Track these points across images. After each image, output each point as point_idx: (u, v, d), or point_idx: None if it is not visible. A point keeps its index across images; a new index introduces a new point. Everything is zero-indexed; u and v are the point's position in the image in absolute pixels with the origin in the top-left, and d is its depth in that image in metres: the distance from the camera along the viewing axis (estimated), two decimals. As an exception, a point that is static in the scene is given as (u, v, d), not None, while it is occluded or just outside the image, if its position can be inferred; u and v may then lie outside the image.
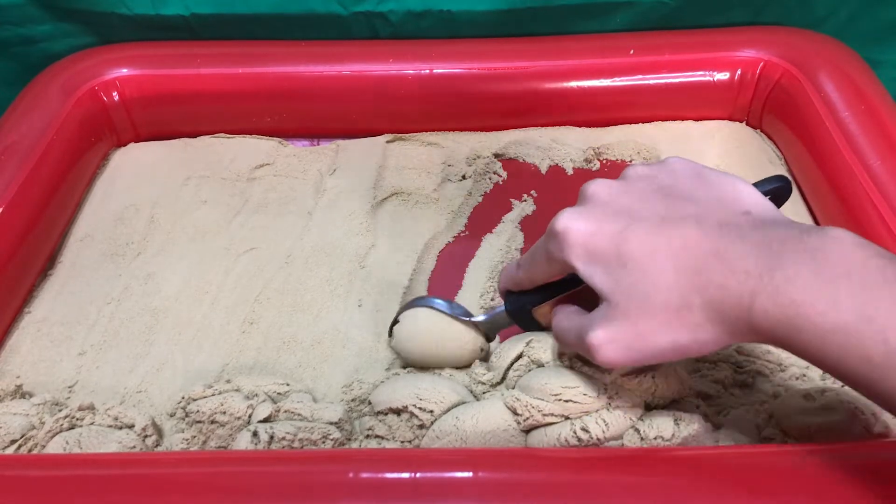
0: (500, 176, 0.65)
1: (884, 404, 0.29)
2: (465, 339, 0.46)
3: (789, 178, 0.38)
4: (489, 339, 0.47)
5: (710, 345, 0.32)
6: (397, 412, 0.43)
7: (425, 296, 0.53)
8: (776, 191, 0.39)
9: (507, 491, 0.35)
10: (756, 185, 0.38)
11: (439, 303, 0.46)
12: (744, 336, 0.31)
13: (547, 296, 0.40)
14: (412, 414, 0.42)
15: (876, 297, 0.28)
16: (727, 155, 0.64)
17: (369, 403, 0.45)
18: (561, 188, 0.64)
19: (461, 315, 0.46)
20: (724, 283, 0.31)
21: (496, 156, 0.67)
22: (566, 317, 0.38)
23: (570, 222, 0.35)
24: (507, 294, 0.43)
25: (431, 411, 0.42)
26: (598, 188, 0.36)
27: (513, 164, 0.67)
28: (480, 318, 0.46)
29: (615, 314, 0.34)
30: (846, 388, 0.45)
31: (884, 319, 0.27)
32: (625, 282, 0.33)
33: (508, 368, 0.43)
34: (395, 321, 0.47)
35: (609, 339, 0.34)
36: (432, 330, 0.46)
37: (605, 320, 0.34)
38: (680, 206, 0.34)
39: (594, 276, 0.34)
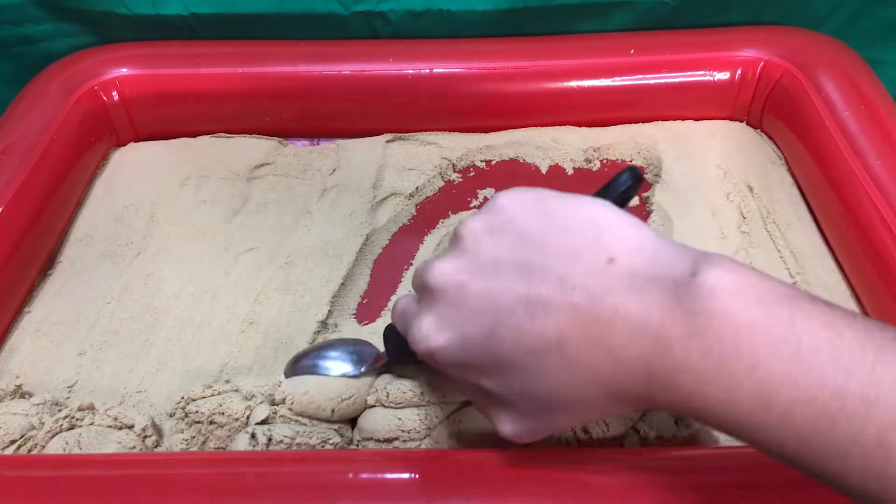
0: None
1: (817, 478, 0.26)
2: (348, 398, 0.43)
3: (635, 169, 0.35)
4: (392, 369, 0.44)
5: (621, 413, 0.32)
6: (388, 441, 0.42)
7: (313, 352, 0.47)
8: (626, 191, 0.35)
9: (507, 491, 0.35)
10: (605, 190, 0.36)
11: (325, 366, 0.44)
12: (659, 407, 0.29)
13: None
14: (402, 441, 0.42)
15: (770, 368, 0.25)
16: (727, 154, 0.64)
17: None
18: (561, 188, 0.64)
19: (350, 371, 0.43)
20: (617, 378, 0.28)
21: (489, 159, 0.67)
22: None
23: (431, 340, 0.32)
24: (389, 339, 0.41)
25: (418, 440, 0.42)
26: (438, 281, 0.31)
27: (513, 164, 0.67)
28: (361, 370, 0.43)
29: (515, 413, 0.32)
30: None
31: (784, 398, 0.25)
32: (514, 384, 0.30)
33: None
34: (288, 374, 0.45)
35: (516, 432, 0.32)
36: (317, 399, 0.42)
37: (508, 416, 0.32)
38: (537, 277, 0.29)
39: (480, 383, 0.32)
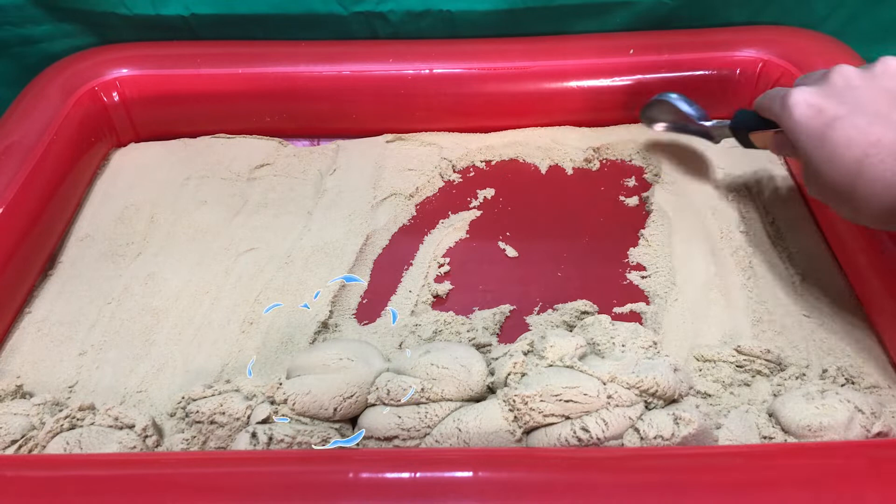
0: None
1: None
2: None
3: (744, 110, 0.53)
4: (716, 141, 0.60)
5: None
6: (388, 440, 0.42)
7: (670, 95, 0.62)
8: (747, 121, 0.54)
9: (507, 491, 0.35)
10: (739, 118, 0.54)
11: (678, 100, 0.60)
12: None
13: (766, 125, 0.51)
14: (402, 440, 0.42)
15: None
16: (725, 154, 0.64)
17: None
18: (561, 188, 0.64)
19: (697, 118, 0.59)
20: None
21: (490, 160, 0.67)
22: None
23: (798, 97, 0.44)
24: (737, 112, 0.55)
25: (418, 438, 0.42)
26: (839, 75, 0.44)
27: (512, 164, 0.67)
28: (711, 123, 0.59)
29: (810, 179, 0.45)
30: (846, 387, 0.45)
31: None
32: (817, 156, 0.43)
33: (509, 370, 0.43)
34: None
35: (810, 189, 0.46)
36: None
37: (807, 174, 0.45)
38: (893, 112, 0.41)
39: (798, 141, 0.44)
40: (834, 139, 0.42)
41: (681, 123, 0.62)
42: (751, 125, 0.53)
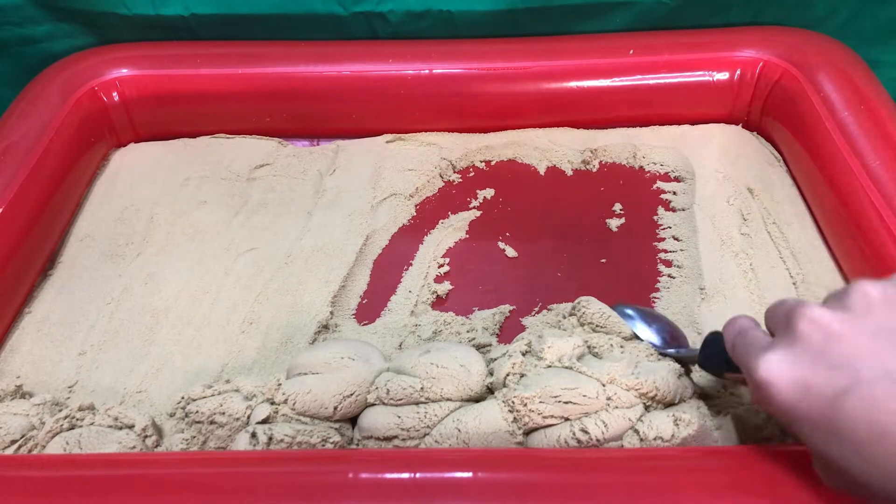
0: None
1: None
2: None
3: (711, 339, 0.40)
4: (689, 370, 0.45)
5: None
6: (388, 439, 0.42)
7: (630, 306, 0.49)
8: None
9: (506, 491, 0.35)
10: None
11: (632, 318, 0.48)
12: None
13: (738, 370, 0.37)
14: (402, 440, 0.42)
15: None
16: (725, 157, 0.64)
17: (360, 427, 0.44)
18: (560, 189, 0.64)
19: (661, 348, 0.46)
20: None
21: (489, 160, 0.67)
22: None
23: (773, 373, 0.31)
24: (708, 338, 0.42)
25: (418, 438, 0.42)
26: (811, 324, 0.31)
27: (512, 165, 0.67)
28: (675, 351, 0.45)
29: (824, 473, 0.32)
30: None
31: None
32: (837, 454, 0.29)
33: (508, 371, 0.43)
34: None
35: (824, 481, 0.32)
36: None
37: (819, 467, 0.32)
38: None
39: (801, 434, 0.31)
40: (845, 423, 0.29)
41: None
42: (721, 367, 0.41)
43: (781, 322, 0.33)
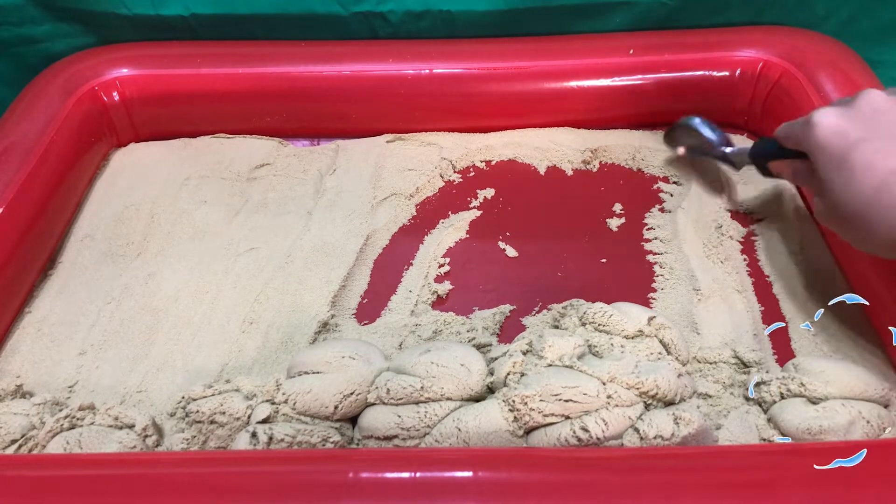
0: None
1: None
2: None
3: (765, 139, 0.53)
4: (737, 168, 0.59)
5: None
6: (388, 439, 0.42)
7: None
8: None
9: (506, 491, 0.35)
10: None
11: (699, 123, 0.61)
12: None
13: (785, 154, 0.50)
14: (402, 439, 0.42)
15: None
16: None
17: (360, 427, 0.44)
18: (561, 189, 0.64)
19: (717, 143, 0.59)
20: None
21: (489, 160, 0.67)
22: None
23: (822, 118, 0.43)
24: (758, 140, 0.56)
25: (418, 438, 0.42)
26: (865, 100, 0.43)
27: (512, 165, 0.67)
28: (732, 149, 0.58)
29: (821, 199, 0.44)
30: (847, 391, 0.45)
31: None
32: (835, 179, 0.42)
33: (508, 370, 0.43)
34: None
35: (817, 210, 0.46)
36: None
37: (820, 202, 0.45)
38: None
39: (817, 161, 0.44)
40: (854, 162, 0.41)
41: (703, 148, 0.61)
42: (770, 154, 0.53)
43: (839, 102, 0.45)
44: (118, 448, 0.42)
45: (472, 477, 0.35)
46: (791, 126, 0.48)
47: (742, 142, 0.64)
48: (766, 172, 0.55)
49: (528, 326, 0.52)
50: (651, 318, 0.46)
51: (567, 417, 0.40)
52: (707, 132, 0.60)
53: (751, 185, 0.62)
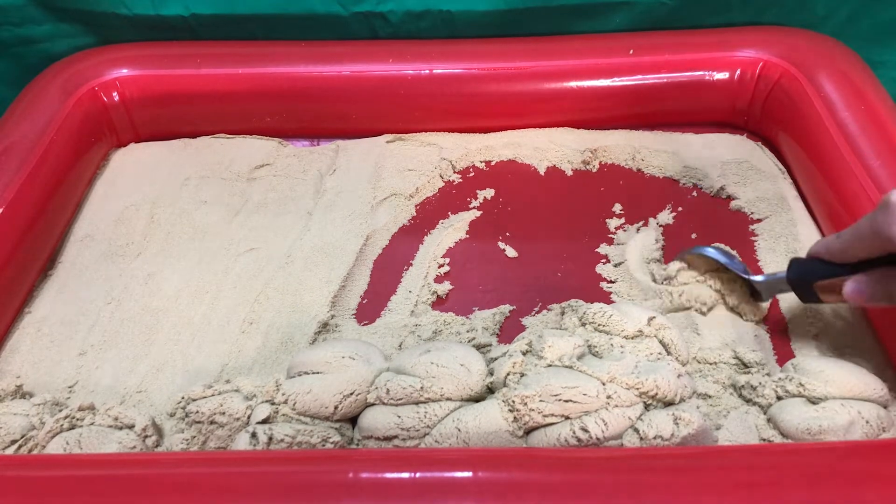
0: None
1: None
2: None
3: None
4: (763, 299, 0.50)
5: None
6: (388, 439, 0.42)
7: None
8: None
9: (506, 491, 0.35)
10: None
11: (713, 252, 0.51)
12: None
13: (837, 272, 0.42)
14: (402, 439, 0.42)
15: None
16: (724, 159, 0.64)
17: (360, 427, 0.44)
18: (560, 189, 0.64)
19: (740, 271, 0.49)
20: None
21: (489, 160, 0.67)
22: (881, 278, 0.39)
23: None
24: (793, 262, 0.46)
25: (418, 438, 0.42)
26: None
27: (512, 165, 0.67)
28: (759, 278, 0.49)
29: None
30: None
31: None
32: None
33: (508, 370, 0.43)
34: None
35: None
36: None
37: None
38: None
39: None
40: None
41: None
42: (817, 275, 0.44)
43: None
44: (118, 448, 0.42)
45: (471, 477, 0.35)
46: (849, 235, 0.39)
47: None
48: (811, 298, 0.46)
49: (528, 326, 0.52)
50: (651, 319, 0.46)
51: (567, 418, 0.40)
52: (724, 260, 0.51)
53: (751, 185, 0.62)
